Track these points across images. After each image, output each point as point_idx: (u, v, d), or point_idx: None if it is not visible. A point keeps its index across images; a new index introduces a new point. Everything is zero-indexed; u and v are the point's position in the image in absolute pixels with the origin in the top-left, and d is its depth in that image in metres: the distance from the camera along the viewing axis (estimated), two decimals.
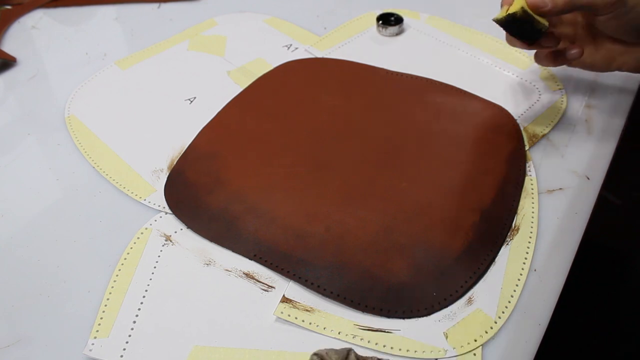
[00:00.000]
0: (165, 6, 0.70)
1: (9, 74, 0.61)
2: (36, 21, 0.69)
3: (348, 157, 0.47)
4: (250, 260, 0.40)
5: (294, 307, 0.37)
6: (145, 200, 0.45)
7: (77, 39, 0.65)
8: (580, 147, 0.48)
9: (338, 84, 0.55)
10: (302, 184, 0.45)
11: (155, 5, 0.70)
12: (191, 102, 0.54)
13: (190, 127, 0.51)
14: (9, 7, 0.71)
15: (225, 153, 0.48)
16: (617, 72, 0.54)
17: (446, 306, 0.37)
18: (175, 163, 0.47)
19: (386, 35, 0.62)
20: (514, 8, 0.42)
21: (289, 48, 0.61)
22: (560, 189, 0.44)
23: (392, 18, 0.62)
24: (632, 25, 0.45)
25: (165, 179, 0.46)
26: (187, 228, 0.42)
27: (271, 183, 0.45)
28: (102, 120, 0.53)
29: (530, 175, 0.45)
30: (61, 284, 0.39)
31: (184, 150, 0.49)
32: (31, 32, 0.68)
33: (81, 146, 0.50)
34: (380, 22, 0.62)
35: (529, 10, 0.42)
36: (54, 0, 0.72)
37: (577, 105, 0.52)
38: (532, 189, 0.44)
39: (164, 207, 0.44)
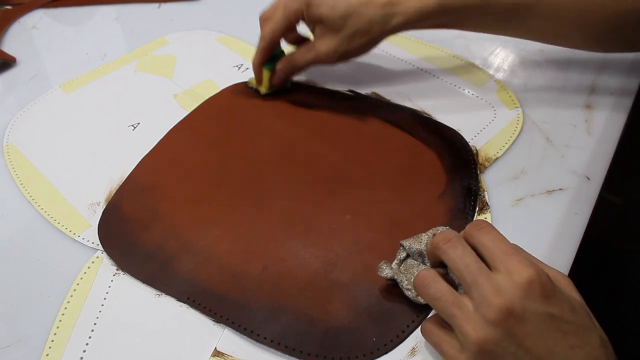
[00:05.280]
0: (165, 6, 0.70)
1: (9, 74, 0.61)
2: (36, 21, 0.69)
3: (292, 186, 0.45)
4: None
5: None
6: (79, 236, 0.42)
7: (77, 39, 0.65)
8: (580, 147, 0.48)
9: (285, 107, 0.52)
10: (242, 218, 0.42)
11: (155, 5, 0.70)
12: (134, 128, 0.51)
13: (131, 156, 0.48)
14: (9, 7, 0.71)
15: (164, 185, 0.45)
16: (616, 71, 0.54)
17: (387, 352, 0.34)
18: (112, 196, 0.45)
19: None
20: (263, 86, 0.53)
21: (239, 68, 0.58)
22: (560, 189, 0.44)
23: None
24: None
25: (101, 214, 0.43)
26: (119, 270, 0.40)
27: (210, 217, 0.42)
28: (41, 149, 0.50)
29: (487, 209, 0.43)
30: (62, 284, 0.39)
31: (122, 181, 0.46)
32: (31, 32, 0.68)
33: (17, 177, 0.48)
34: None
35: (257, 86, 0.54)
36: (54, 0, 0.72)
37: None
38: None
39: (98, 245, 0.41)
